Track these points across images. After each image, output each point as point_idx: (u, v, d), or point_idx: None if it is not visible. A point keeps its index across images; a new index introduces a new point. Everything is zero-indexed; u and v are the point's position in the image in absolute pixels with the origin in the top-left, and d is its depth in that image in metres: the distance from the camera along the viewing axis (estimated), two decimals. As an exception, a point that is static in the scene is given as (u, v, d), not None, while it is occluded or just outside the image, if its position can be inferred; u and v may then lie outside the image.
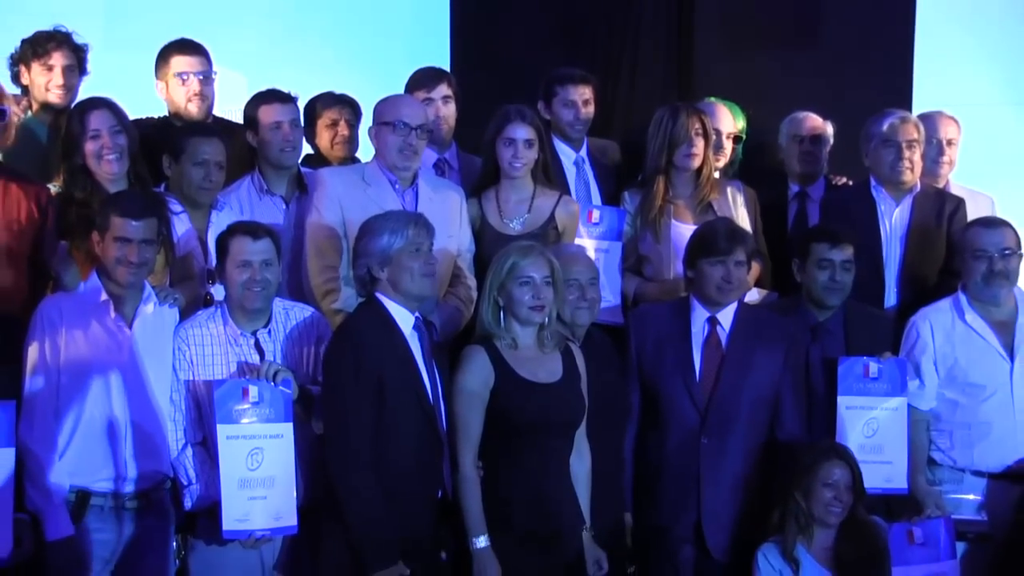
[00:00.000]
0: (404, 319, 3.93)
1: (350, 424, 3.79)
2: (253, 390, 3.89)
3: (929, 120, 5.24)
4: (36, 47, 4.87)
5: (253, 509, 3.89)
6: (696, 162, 4.92)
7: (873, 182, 5.07)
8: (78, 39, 4.94)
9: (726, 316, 4.38)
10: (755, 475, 4.34)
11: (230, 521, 3.87)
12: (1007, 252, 4.50)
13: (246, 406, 3.88)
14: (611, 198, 5.13)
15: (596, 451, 4.11)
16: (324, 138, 5.41)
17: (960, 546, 4.30)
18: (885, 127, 4.99)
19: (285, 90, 4.91)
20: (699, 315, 4.39)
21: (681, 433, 4.32)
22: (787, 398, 4.38)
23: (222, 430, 3.86)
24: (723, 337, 4.38)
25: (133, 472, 3.99)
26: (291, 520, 3.94)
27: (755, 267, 4.72)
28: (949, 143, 5.26)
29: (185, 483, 4.04)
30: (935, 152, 5.22)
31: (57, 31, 4.91)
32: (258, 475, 3.89)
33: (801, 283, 4.61)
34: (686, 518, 4.31)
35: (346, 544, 3.79)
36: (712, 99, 5.54)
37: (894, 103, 5.50)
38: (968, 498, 4.49)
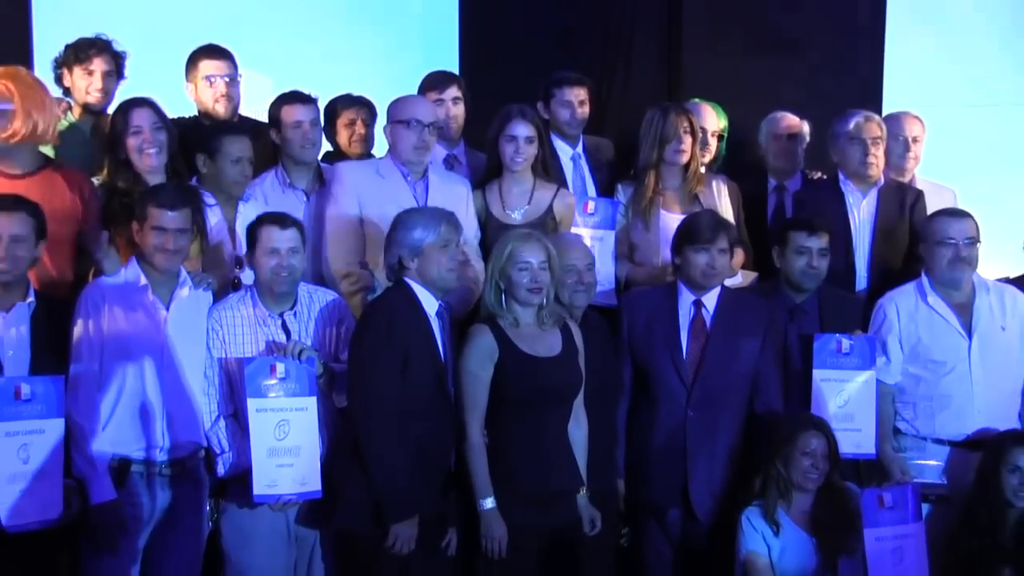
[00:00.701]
0: (429, 303, 3.98)
1: (378, 384, 3.83)
2: (280, 367, 3.94)
3: (896, 119, 5.27)
4: (78, 52, 4.84)
5: (281, 475, 3.94)
6: (684, 157, 4.95)
7: (841, 177, 5.09)
8: (117, 46, 4.90)
9: (710, 299, 4.42)
10: (737, 444, 4.38)
11: (260, 486, 3.92)
12: (969, 240, 4.53)
13: (274, 381, 3.92)
14: (605, 190, 5.15)
15: (592, 422, 4.16)
16: (343, 136, 5.42)
17: (924, 507, 4.33)
18: (851, 126, 5.02)
19: (306, 92, 4.92)
20: (685, 298, 4.43)
21: (669, 406, 4.36)
22: (766, 374, 4.42)
23: (252, 403, 3.91)
24: (708, 319, 4.41)
25: (169, 442, 4.03)
26: (315, 485, 3.98)
27: (738, 254, 4.74)
28: (915, 140, 5.26)
29: (218, 452, 4.09)
30: (902, 149, 5.22)
31: (98, 38, 4.87)
32: (285, 444, 3.93)
33: (780, 268, 4.63)
34: (674, 484, 4.35)
35: (366, 492, 3.84)
36: (698, 100, 5.55)
37: (866, 104, 5.51)
38: (930, 464, 4.53)
